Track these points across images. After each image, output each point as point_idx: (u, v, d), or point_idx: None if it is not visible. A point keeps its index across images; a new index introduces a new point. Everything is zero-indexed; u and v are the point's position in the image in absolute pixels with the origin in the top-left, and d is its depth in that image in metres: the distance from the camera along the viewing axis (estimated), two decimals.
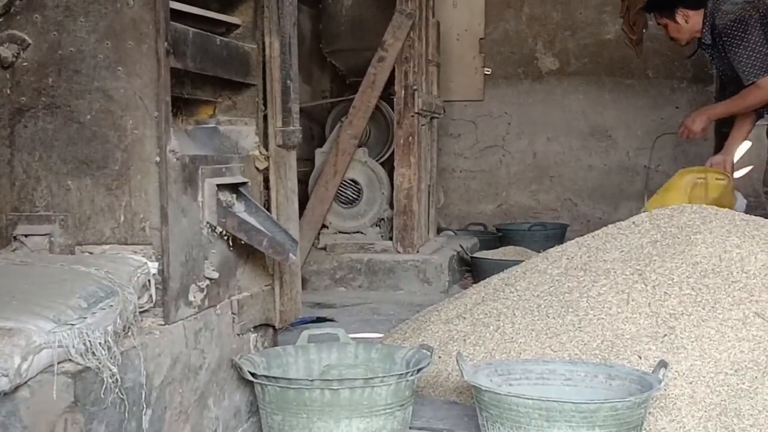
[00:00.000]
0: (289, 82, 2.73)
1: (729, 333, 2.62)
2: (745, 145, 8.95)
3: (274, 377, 2.33)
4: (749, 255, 2.89)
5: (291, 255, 2.44)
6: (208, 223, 2.29)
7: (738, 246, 2.93)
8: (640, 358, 2.59)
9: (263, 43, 2.66)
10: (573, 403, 2.12)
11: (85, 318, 1.72)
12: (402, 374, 2.33)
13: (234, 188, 2.42)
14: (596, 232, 3.29)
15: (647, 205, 4.35)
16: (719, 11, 4.44)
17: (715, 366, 2.54)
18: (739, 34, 4.34)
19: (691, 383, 2.49)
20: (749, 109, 4.52)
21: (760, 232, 3.02)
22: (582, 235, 3.35)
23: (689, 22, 4.51)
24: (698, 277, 2.84)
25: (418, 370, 2.37)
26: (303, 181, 4.69)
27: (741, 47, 4.33)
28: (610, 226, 3.29)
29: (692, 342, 2.61)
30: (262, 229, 2.41)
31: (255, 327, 2.58)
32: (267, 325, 2.67)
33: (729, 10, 4.42)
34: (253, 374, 2.33)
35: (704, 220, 3.12)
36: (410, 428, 2.41)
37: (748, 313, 2.68)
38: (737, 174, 7.28)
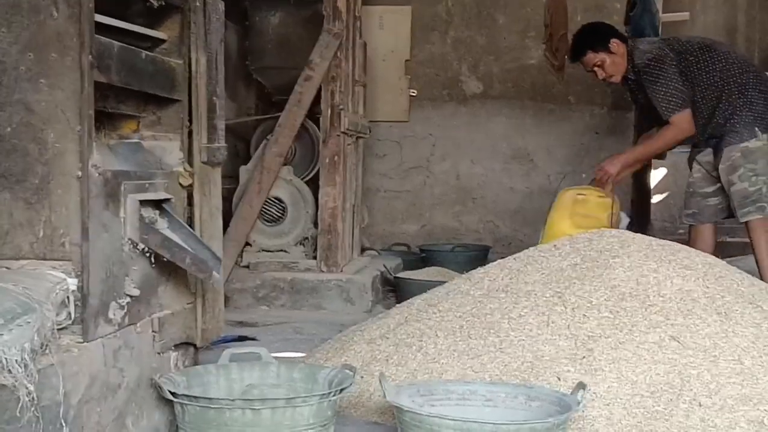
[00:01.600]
0: (215, 98, 2.72)
1: (645, 356, 2.68)
2: (661, 172, 9.18)
3: (194, 396, 2.30)
4: (665, 279, 2.96)
5: (214, 273, 2.42)
6: (129, 239, 2.26)
7: (655, 270, 3.00)
8: (559, 379, 2.62)
9: (189, 59, 2.64)
10: (493, 424, 2.14)
11: (2, 335, 1.68)
12: (324, 394, 2.32)
13: (157, 204, 2.40)
14: (518, 254, 3.33)
15: (543, 231, 4.44)
16: (637, 50, 4.57)
17: (632, 388, 2.58)
18: (656, 72, 4.48)
19: (608, 405, 2.54)
20: (667, 149, 4.69)
21: (676, 257, 3.10)
22: (504, 257, 3.39)
23: (620, 52, 4.58)
24: (616, 300, 2.89)
25: (341, 390, 2.37)
26: (227, 199, 4.65)
27: (657, 84, 4.47)
28: (531, 248, 3.34)
29: (610, 364, 2.66)
30: (185, 246, 2.39)
31: (176, 345, 2.55)
32: (188, 343, 2.64)
33: (646, 50, 4.55)
34: (173, 393, 2.30)
35: (623, 244, 3.18)
36: None
37: (664, 337, 2.74)
38: (655, 199, 7.46)
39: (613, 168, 4.56)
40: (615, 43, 4.58)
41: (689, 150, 4.85)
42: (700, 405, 2.51)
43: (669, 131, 4.52)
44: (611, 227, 4.19)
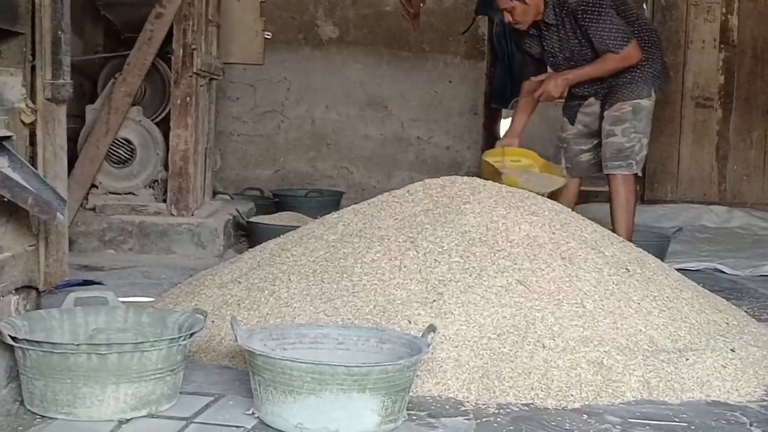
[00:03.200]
0: (60, 32, 2.60)
1: (493, 299, 2.74)
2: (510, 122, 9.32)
3: (36, 341, 2.22)
4: (514, 225, 3.03)
5: (58, 214, 2.34)
6: None
7: (504, 216, 3.07)
8: (410, 322, 2.66)
9: None
10: (345, 366, 2.15)
11: None
12: (174, 339, 2.29)
13: None
14: (372, 199, 3.34)
15: None
16: None
17: (480, 331, 2.65)
18: (597, 9, 4.38)
19: (456, 347, 2.59)
20: (612, 73, 4.52)
21: (524, 203, 3.17)
22: (357, 203, 3.40)
23: (534, 2, 4.45)
24: (466, 245, 2.94)
25: (191, 335, 2.34)
26: (72, 139, 4.47)
27: (601, 21, 4.37)
28: (385, 194, 3.35)
29: (459, 307, 2.71)
30: (27, 186, 2.29)
31: (17, 289, 2.45)
32: (30, 287, 2.55)
33: None
34: (13, 338, 2.21)
35: (473, 190, 3.23)
36: (181, 393, 2.38)
37: (511, 281, 2.81)
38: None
39: (558, 91, 4.54)
40: None
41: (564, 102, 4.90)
42: (544, 347, 2.60)
43: (615, 59, 4.43)
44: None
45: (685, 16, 7.33)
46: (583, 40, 4.50)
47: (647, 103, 4.57)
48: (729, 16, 7.32)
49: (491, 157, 4.54)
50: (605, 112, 4.56)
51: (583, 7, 4.41)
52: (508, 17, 4.55)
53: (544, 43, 4.64)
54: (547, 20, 4.51)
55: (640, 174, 4.76)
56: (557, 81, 4.52)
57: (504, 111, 8.03)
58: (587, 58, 4.54)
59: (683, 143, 7.41)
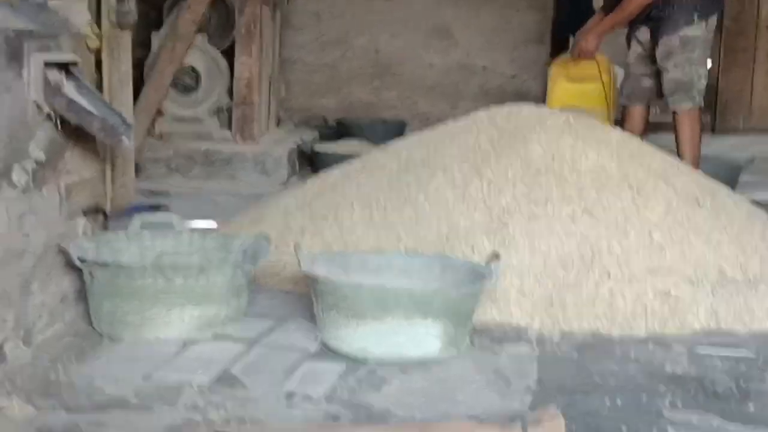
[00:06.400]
0: None
1: (558, 229, 2.71)
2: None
3: (104, 263, 2.26)
4: (580, 155, 2.98)
5: (124, 139, 2.35)
6: (34, 101, 2.16)
7: (570, 146, 3.01)
8: (474, 251, 2.64)
9: None
10: (408, 290, 2.14)
11: None
12: (238, 263, 2.30)
13: (63, 67, 2.29)
14: (436, 128, 3.31)
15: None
16: None
17: (544, 260, 2.62)
18: None
19: (520, 276, 2.57)
20: (633, 16, 4.51)
21: (592, 132, 3.11)
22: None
23: None
24: (532, 174, 2.90)
25: (255, 260, 2.35)
26: (137, 67, 4.50)
27: None
28: (449, 122, 3.31)
29: (523, 237, 2.68)
30: (93, 111, 2.30)
31: (84, 212, 2.48)
32: (97, 210, 2.58)
33: None
34: (81, 260, 2.25)
35: (540, 119, 3.17)
36: (244, 316, 2.40)
37: (577, 210, 2.77)
38: None
39: (592, 45, 4.61)
40: None
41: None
42: (609, 276, 2.56)
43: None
44: (610, 81, 4.58)
45: None
46: None
47: (696, 31, 4.41)
48: None
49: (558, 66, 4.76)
50: (656, 49, 4.46)
51: None
52: None
53: None
54: None
55: (702, 105, 4.63)
56: (588, 38, 4.62)
57: (570, 40, 7.86)
58: None
59: (757, 73, 7.17)
